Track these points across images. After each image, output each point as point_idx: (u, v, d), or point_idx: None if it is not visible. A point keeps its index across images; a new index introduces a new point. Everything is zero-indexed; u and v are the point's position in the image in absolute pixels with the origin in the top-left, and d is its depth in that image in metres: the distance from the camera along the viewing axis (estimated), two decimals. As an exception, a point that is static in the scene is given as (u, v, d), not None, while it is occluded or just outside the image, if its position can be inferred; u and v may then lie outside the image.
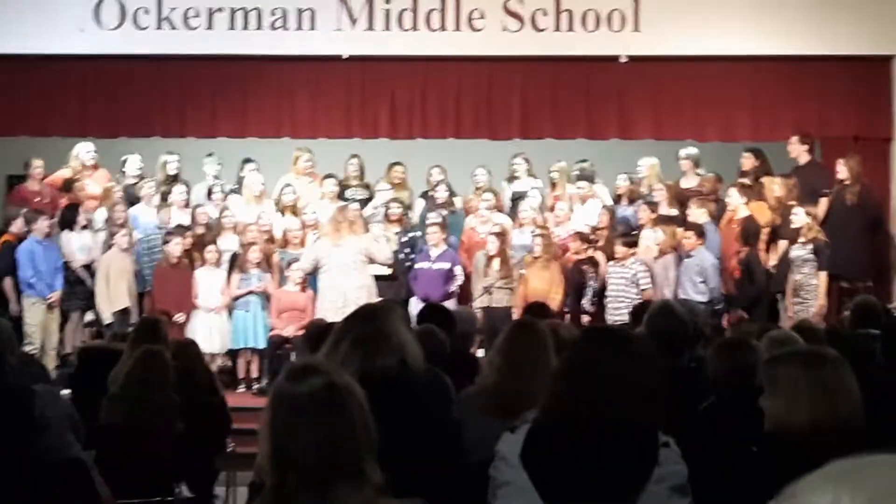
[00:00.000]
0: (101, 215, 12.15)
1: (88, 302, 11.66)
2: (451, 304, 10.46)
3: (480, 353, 9.09)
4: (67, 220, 11.76)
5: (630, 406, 3.20)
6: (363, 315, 4.15)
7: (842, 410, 3.29)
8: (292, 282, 11.62)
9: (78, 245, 11.71)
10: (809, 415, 3.26)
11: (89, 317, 11.96)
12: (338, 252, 11.18)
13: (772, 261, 11.35)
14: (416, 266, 11.73)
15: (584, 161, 13.03)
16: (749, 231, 11.06)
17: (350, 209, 11.71)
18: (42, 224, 11.42)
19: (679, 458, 3.24)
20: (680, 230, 11.26)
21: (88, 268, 11.70)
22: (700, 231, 11.08)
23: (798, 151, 12.15)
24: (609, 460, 3.17)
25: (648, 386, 3.26)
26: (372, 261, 11.47)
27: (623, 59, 12.57)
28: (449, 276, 11.70)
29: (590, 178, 12.71)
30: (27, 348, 10.67)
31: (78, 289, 11.68)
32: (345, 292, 10.73)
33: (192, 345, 8.05)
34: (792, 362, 3.46)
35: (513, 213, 12.57)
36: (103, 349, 7.66)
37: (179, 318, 11.31)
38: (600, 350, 3.37)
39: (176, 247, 11.50)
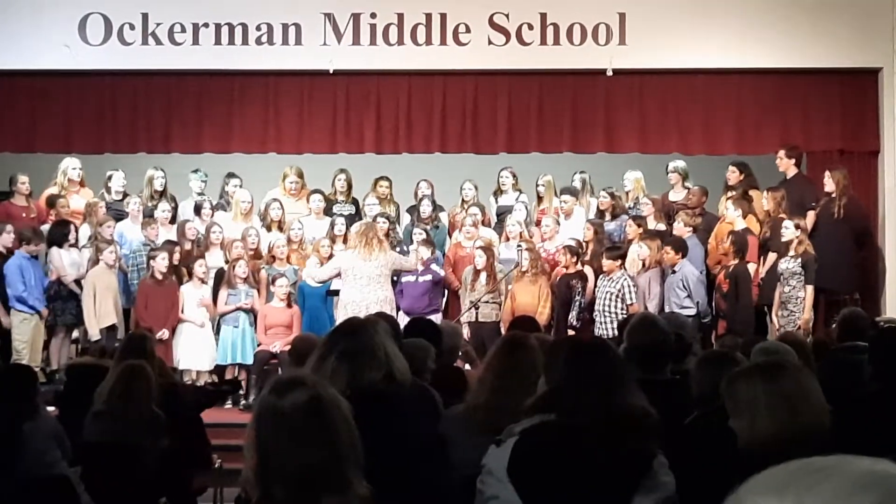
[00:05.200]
0: (85, 231, 12.10)
1: (80, 317, 11.61)
2: (435, 319, 10.40)
3: (466, 366, 9.06)
4: (57, 236, 11.71)
5: (622, 419, 3.20)
6: (348, 329, 4.12)
7: (804, 417, 3.26)
8: (278, 298, 11.60)
9: (68, 261, 11.66)
10: (772, 426, 3.23)
11: (77, 333, 11.92)
12: (364, 265, 11.02)
13: (759, 273, 11.34)
14: (402, 280, 11.69)
15: (582, 172, 13.02)
16: (739, 244, 11.03)
17: (378, 226, 11.54)
18: (33, 243, 11.44)
19: (667, 471, 3.23)
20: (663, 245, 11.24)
21: (78, 283, 11.64)
22: (679, 245, 11.04)
23: (786, 165, 12.15)
24: (596, 473, 3.16)
25: (633, 396, 3.28)
26: (397, 272, 11.44)
27: (609, 73, 12.59)
28: (434, 289, 11.67)
29: (573, 192, 12.68)
30: (16, 365, 10.59)
31: (71, 304, 11.61)
32: (367, 305, 10.58)
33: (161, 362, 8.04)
34: (750, 377, 3.43)
35: (499, 227, 12.56)
36: (91, 365, 7.61)
37: (162, 335, 11.25)
38: (589, 362, 3.39)
39: (162, 262, 11.47)
